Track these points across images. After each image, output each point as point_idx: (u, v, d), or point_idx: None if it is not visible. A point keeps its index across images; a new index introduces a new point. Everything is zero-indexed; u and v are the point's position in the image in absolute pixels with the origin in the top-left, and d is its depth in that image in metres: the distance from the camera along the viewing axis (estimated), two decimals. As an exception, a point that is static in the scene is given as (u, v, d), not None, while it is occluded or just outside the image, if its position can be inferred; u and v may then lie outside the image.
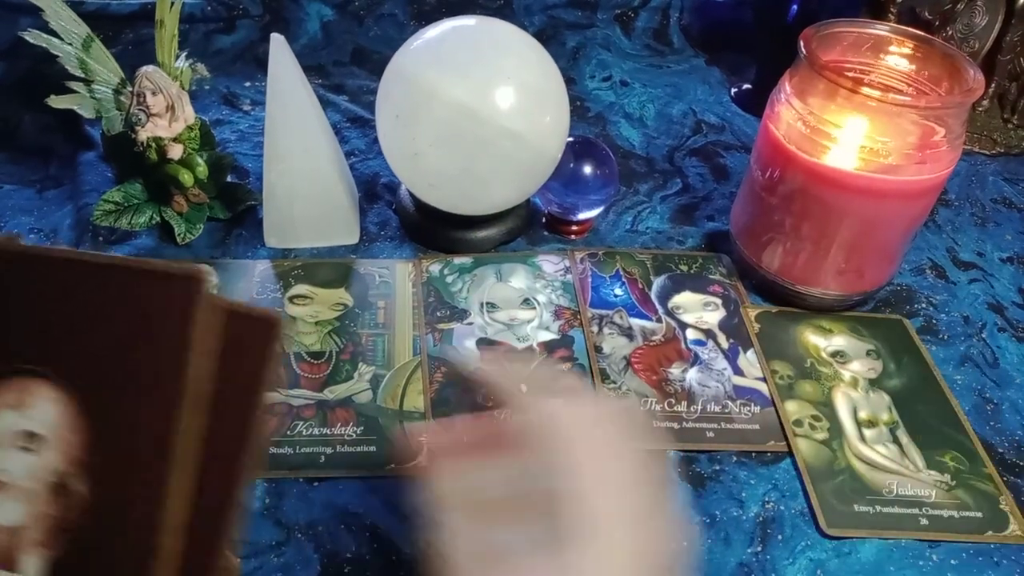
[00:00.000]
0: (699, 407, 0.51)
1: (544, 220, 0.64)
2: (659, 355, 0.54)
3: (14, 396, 0.29)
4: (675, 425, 0.50)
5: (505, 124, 0.52)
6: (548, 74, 0.56)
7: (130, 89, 0.57)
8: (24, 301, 0.29)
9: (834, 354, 0.55)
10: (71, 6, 0.58)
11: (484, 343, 0.54)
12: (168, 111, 0.57)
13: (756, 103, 0.80)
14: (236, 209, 0.62)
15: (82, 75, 0.57)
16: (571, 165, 0.60)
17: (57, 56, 0.56)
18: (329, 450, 0.47)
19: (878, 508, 0.46)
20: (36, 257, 0.30)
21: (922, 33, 0.55)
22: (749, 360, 0.54)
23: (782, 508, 0.46)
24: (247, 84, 0.78)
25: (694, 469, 0.47)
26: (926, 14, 0.75)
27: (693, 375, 0.53)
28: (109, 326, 0.29)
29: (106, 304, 0.28)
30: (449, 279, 0.58)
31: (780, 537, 0.44)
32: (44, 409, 0.29)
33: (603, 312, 0.57)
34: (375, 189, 0.66)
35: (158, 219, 0.59)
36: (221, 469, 0.29)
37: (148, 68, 0.56)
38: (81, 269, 0.29)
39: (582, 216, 0.62)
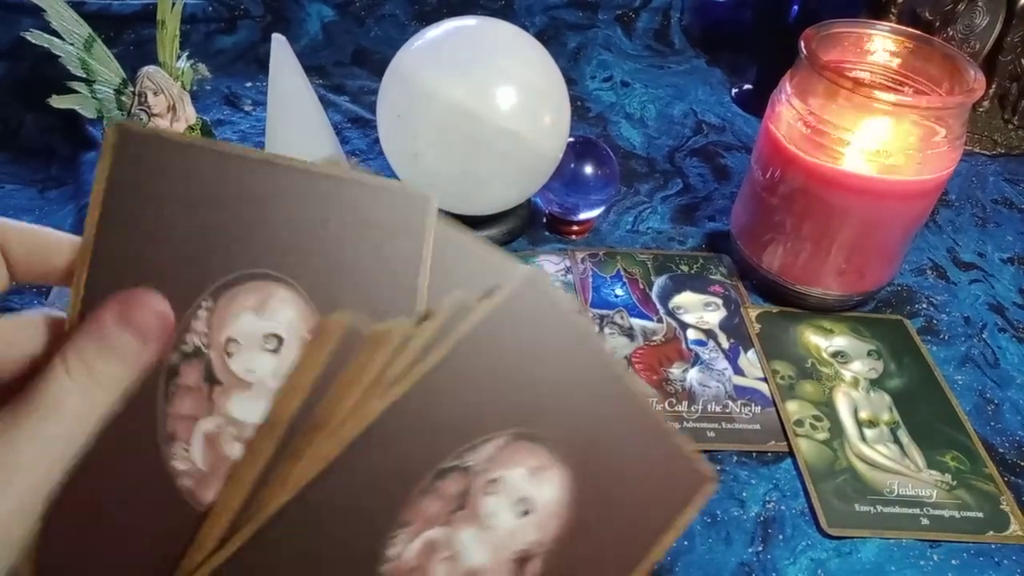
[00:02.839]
0: (700, 407, 0.51)
1: (545, 220, 0.64)
2: (660, 355, 0.54)
3: (255, 298, 0.29)
4: (676, 425, 0.50)
5: (506, 124, 0.52)
6: (549, 74, 0.56)
7: (132, 89, 0.57)
8: (268, 211, 0.29)
9: (835, 354, 0.55)
10: (73, 6, 0.58)
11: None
12: (169, 111, 0.57)
13: (757, 103, 0.80)
14: (237, 209, 0.62)
15: (84, 75, 0.57)
16: (572, 165, 0.60)
17: (59, 56, 0.56)
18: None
19: (879, 508, 0.46)
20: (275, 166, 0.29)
21: (923, 34, 0.55)
22: (750, 360, 0.54)
23: (783, 508, 0.46)
24: (248, 84, 0.78)
25: (695, 469, 0.47)
26: (927, 14, 0.75)
27: (694, 375, 0.53)
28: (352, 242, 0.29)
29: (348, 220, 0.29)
30: (450, 279, 0.58)
31: (781, 537, 0.44)
32: (283, 311, 0.29)
33: (604, 312, 0.57)
34: (376, 189, 0.66)
35: (159, 219, 0.59)
36: None
37: (150, 68, 0.56)
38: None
39: (583, 216, 0.62)
